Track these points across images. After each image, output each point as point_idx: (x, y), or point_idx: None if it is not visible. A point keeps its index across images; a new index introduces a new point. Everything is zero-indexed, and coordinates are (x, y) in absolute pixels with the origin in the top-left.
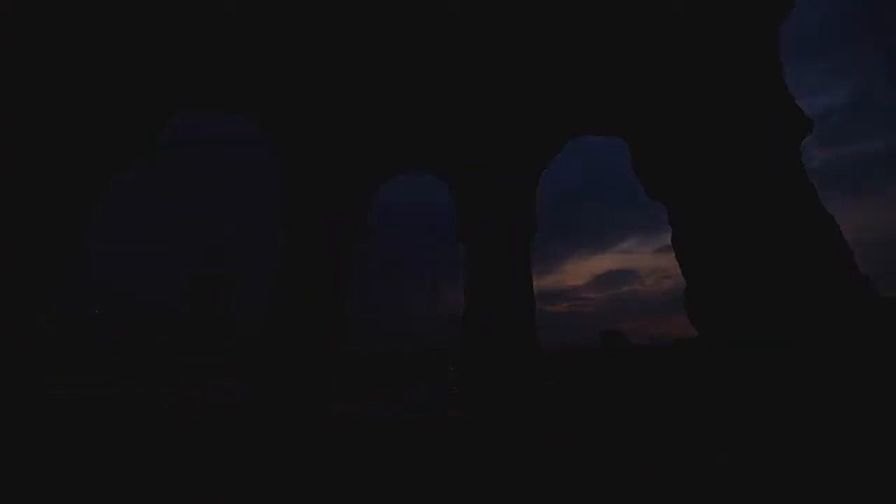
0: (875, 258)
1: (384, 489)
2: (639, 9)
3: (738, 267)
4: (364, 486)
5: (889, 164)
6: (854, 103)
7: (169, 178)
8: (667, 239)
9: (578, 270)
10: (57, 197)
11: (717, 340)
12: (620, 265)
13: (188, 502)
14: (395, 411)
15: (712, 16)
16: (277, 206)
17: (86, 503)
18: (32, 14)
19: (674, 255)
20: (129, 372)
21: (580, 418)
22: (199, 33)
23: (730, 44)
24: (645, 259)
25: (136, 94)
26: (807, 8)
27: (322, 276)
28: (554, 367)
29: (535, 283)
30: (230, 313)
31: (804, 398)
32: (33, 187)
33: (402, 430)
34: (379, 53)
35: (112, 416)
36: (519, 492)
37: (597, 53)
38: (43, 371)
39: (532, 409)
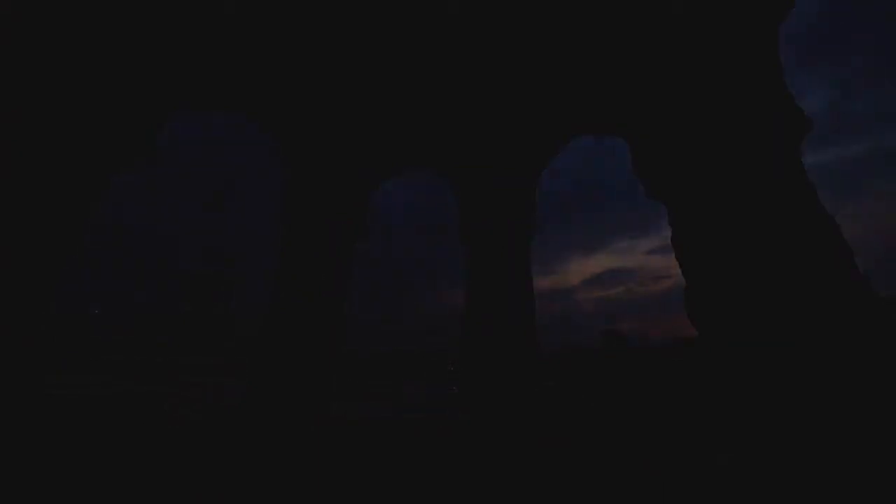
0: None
1: (384, 489)
2: (639, 9)
3: (737, 267)
4: (364, 486)
5: (865, 168)
6: (831, 107)
7: (169, 178)
8: (667, 238)
9: (578, 270)
10: (57, 197)
11: (717, 340)
12: (620, 264)
13: (188, 502)
14: (395, 411)
15: (712, 15)
16: (277, 206)
17: (86, 503)
18: (32, 14)
19: (674, 254)
20: (129, 372)
21: (580, 418)
22: (199, 33)
23: (730, 43)
24: (645, 258)
25: (135, 93)
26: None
27: (322, 276)
28: (554, 367)
29: (535, 283)
30: (230, 313)
31: (804, 398)
32: (33, 187)
33: (402, 430)
34: (379, 53)
35: (112, 416)
36: (519, 492)
37: (597, 54)
38: (43, 371)
39: (532, 409)
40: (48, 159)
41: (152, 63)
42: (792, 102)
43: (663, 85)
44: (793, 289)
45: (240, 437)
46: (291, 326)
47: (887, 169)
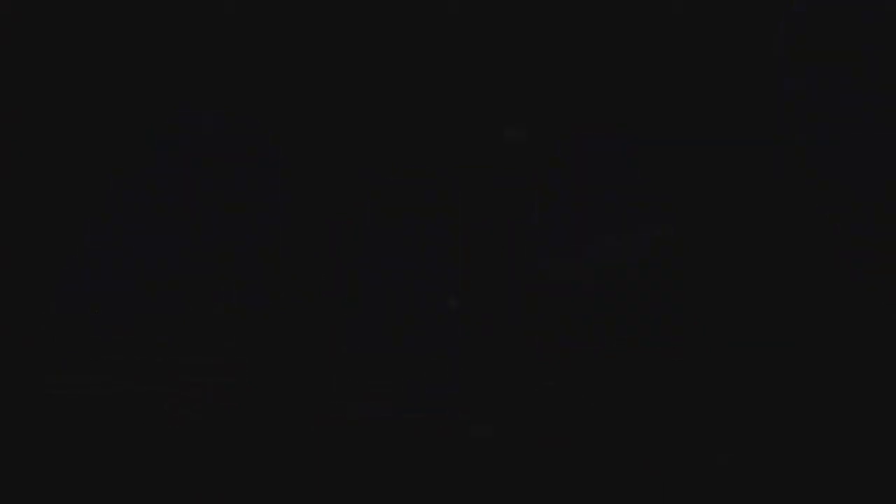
0: None
1: (384, 489)
2: (639, 10)
3: (737, 266)
4: (364, 487)
5: None
6: None
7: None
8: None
9: None
10: (56, 196)
11: (717, 340)
12: None
13: (188, 502)
14: (396, 411)
15: (712, 14)
16: (276, 205)
17: (86, 503)
18: (32, 13)
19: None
20: (129, 372)
21: (580, 418)
22: (197, 31)
23: (729, 41)
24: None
25: (135, 93)
26: None
27: (322, 275)
28: (554, 367)
29: None
30: (230, 313)
31: (804, 398)
32: (33, 187)
33: (402, 430)
34: (378, 52)
35: (112, 416)
36: (519, 492)
37: (598, 53)
38: (43, 371)
39: (532, 409)
40: (48, 159)
41: (152, 62)
42: (791, 98)
43: (663, 83)
44: (793, 288)
45: (240, 438)
46: (291, 326)
47: None
